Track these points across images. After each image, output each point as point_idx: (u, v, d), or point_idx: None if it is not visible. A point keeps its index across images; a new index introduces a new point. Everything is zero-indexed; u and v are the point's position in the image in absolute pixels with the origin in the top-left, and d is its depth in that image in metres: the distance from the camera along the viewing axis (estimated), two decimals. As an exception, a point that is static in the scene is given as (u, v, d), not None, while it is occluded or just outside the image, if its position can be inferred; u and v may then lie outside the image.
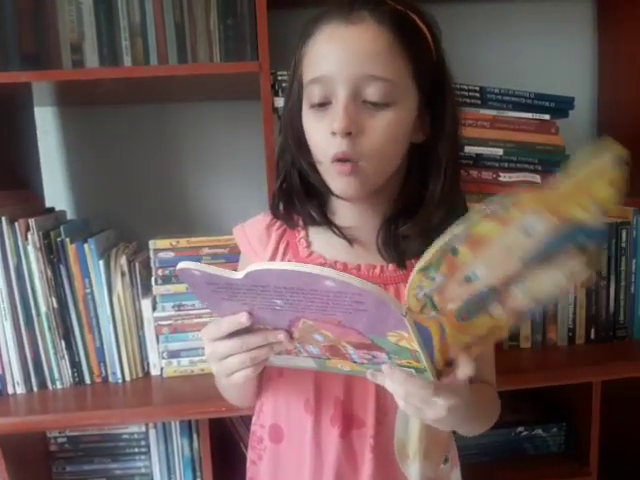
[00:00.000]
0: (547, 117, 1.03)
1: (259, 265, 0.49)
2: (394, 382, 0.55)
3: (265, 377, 0.72)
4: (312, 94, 0.63)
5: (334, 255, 0.70)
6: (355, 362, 0.58)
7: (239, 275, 0.50)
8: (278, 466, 0.73)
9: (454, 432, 0.71)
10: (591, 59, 1.31)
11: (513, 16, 1.27)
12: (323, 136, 0.62)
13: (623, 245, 1.06)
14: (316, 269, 0.47)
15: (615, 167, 0.47)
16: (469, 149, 1.01)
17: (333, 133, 0.61)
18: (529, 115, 1.03)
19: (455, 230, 0.47)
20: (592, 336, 1.08)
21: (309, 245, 0.72)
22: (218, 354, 0.60)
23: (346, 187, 0.64)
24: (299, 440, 0.70)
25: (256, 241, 0.74)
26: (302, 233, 0.72)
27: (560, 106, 1.04)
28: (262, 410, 0.74)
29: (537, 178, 1.03)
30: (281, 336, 0.57)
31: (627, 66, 1.21)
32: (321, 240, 0.72)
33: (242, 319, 0.56)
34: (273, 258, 0.72)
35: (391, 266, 0.69)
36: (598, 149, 0.46)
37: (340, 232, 0.69)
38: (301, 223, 0.73)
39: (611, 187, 0.48)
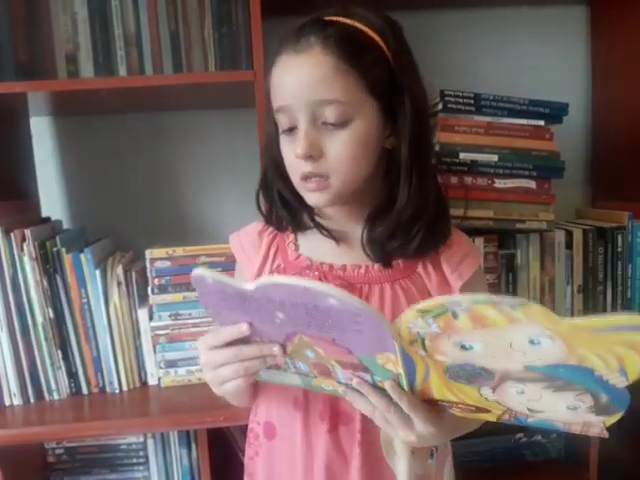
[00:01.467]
0: (542, 123, 1.03)
1: (270, 278, 0.52)
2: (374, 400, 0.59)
3: None
4: (280, 121, 0.67)
5: (320, 257, 0.73)
6: (340, 382, 0.61)
7: (250, 286, 0.53)
8: (272, 462, 0.75)
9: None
10: (585, 65, 1.32)
11: (507, 23, 1.28)
12: (293, 157, 0.66)
13: (619, 250, 1.06)
14: (322, 286, 0.50)
15: None
16: (464, 156, 1.01)
17: (296, 156, 0.65)
18: (524, 121, 1.03)
19: (459, 298, 0.48)
20: (590, 341, 1.08)
21: (297, 248, 0.75)
22: (213, 363, 0.63)
23: (317, 201, 0.68)
24: (290, 436, 0.73)
25: (249, 247, 0.77)
26: (291, 237, 0.76)
27: (554, 112, 1.04)
28: (258, 407, 0.77)
29: (532, 184, 1.03)
30: (276, 349, 0.59)
31: (621, 72, 1.22)
32: (308, 243, 0.75)
33: (242, 328, 0.59)
34: (264, 262, 0.75)
35: (376, 266, 0.71)
36: (627, 319, 0.45)
37: (327, 232, 0.73)
38: (290, 228, 0.76)
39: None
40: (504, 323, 0.47)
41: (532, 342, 0.48)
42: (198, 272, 0.55)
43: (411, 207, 0.67)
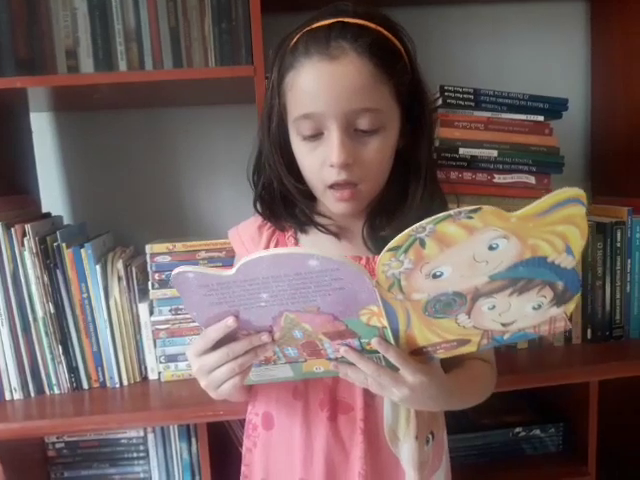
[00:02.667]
0: (541, 118, 1.03)
1: (248, 256, 0.53)
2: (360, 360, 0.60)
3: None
4: (302, 127, 0.65)
5: (321, 250, 0.72)
6: (330, 359, 0.62)
7: (231, 272, 0.54)
8: (270, 452, 0.75)
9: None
10: (584, 61, 1.32)
11: (507, 18, 1.28)
12: (318, 165, 0.66)
13: (618, 245, 1.06)
14: (301, 249, 0.54)
15: (583, 214, 0.51)
16: (463, 151, 1.01)
17: (331, 165, 0.64)
18: (523, 117, 1.03)
19: (424, 222, 0.50)
20: (588, 336, 1.08)
21: (297, 242, 0.76)
22: (206, 367, 0.63)
23: (346, 209, 0.68)
24: (289, 426, 0.73)
25: (249, 241, 0.78)
26: (290, 231, 0.77)
27: (554, 107, 1.04)
28: (256, 399, 0.77)
29: (532, 179, 1.03)
30: (265, 337, 0.60)
31: (620, 67, 1.22)
32: (308, 237, 0.76)
33: (229, 322, 0.59)
34: None
35: (377, 257, 0.71)
36: (563, 194, 0.49)
37: (326, 229, 0.73)
38: (289, 225, 0.77)
39: (583, 239, 0.52)
40: (465, 236, 0.50)
41: (491, 247, 0.51)
42: (179, 269, 0.56)
43: (421, 209, 0.68)
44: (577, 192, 0.49)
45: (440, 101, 1.01)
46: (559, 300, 0.57)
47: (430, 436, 0.75)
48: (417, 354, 0.61)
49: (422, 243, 0.51)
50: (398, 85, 0.65)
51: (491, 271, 0.53)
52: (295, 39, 0.66)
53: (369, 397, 0.71)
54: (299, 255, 0.52)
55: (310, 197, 0.73)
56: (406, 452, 0.72)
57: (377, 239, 0.71)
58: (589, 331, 1.08)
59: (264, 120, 0.72)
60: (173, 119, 1.25)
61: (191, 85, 0.98)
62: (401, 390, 0.60)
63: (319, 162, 0.65)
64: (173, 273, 0.56)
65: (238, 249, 0.79)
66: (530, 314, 0.57)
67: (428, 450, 0.75)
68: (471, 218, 0.49)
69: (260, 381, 0.69)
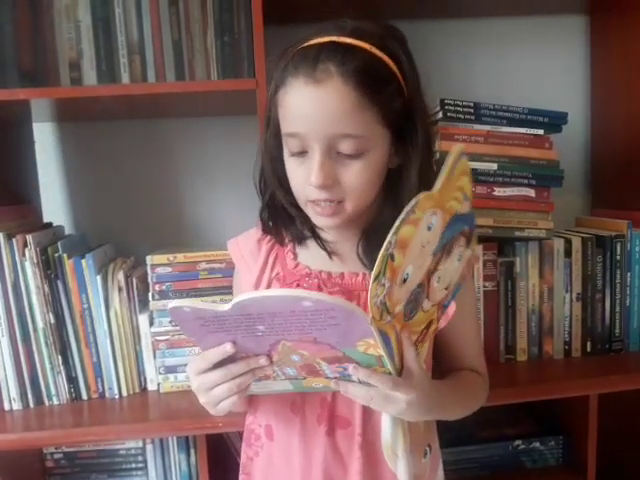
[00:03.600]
0: (541, 132, 1.04)
1: (243, 296, 0.54)
2: (360, 379, 0.60)
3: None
4: (290, 144, 0.67)
5: (319, 265, 0.74)
6: (328, 377, 0.64)
7: (226, 307, 0.55)
8: (271, 462, 0.76)
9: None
10: (584, 75, 1.32)
11: (507, 33, 1.29)
12: (302, 181, 0.67)
13: (618, 258, 1.07)
14: (293, 292, 0.55)
15: (467, 164, 0.60)
16: (464, 164, 1.01)
17: (311, 185, 0.65)
18: (523, 130, 1.04)
19: (389, 238, 0.53)
20: (588, 349, 1.08)
21: (295, 257, 0.76)
22: (205, 385, 0.65)
23: (327, 224, 0.69)
24: (288, 439, 0.74)
25: (248, 254, 0.78)
26: (289, 246, 0.77)
27: (554, 121, 1.05)
28: (258, 409, 0.78)
29: (531, 192, 1.04)
30: (262, 360, 0.61)
31: (620, 81, 1.22)
32: (307, 252, 0.76)
33: (227, 348, 0.60)
34: (263, 270, 0.76)
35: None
36: (454, 154, 0.58)
37: (322, 245, 0.74)
38: (288, 237, 0.77)
39: (469, 179, 0.61)
40: (414, 231, 0.55)
41: (429, 228, 0.57)
42: (174, 304, 0.57)
43: None
44: (462, 147, 0.59)
45: (440, 114, 1.01)
46: (467, 242, 0.64)
47: (427, 449, 0.76)
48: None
49: (392, 257, 0.54)
50: (385, 110, 0.64)
51: (432, 249, 0.59)
52: (289, 55, 0.66)
53: (367, 412, 0.71)
54: (293, 297, 0.53)
55: (302, 211, 0.73)
56: (403, 468, 0.72)
57: (373, 257, 0.69)
58: (589, 344, 1.08)
59: (263, 130, 0.73)
60: (175, 130, 1.26)
61: (193, 97, 0.99)
62: (397, 408, 0.62)
63: (302, 178, 0.66)
64: (169, 307, 0.57)
65: (237, 262, 0.79)
66: (457, 267, 0.64)
67: (426, 463, 0.75)
68: (414, 212, 0.54)
69: (260, 393, 0.69)
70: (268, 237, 0.78)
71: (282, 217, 0.75)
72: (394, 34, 0.67)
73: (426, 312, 0.63)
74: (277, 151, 0.70)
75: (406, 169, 0.68)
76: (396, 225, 0.53)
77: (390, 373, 0.60)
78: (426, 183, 0.68)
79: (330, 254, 0.74)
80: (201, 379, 0.65)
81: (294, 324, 0.55)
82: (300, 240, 0.76)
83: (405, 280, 0.57)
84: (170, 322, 1.01)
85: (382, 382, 0.60)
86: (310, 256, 0.75)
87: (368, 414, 0.71)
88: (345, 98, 0.61)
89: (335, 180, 0.65)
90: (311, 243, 0.75)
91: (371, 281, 0.53)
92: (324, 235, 0.74)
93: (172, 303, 0.57)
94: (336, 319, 0.54)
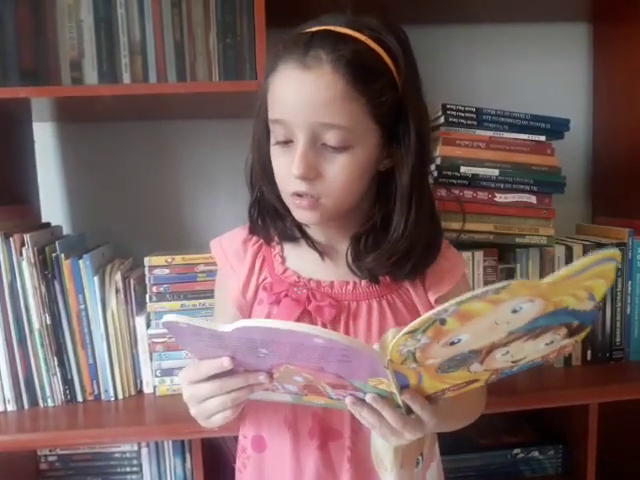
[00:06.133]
0: (543, 138, 1.03)
1: (249, 322, 0.50)
2: (373, 409, 0.58)
3: None
4: (276, 132, 0.65)
5: (308, 272, 0.72)
6: (331, 398, 0.60)
7: (227, 328, 0.51)
8: (262, 474, 0.74)
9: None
10: (586, 81, 1.32)
11: (510, 39, 1.29)
12: (285, 172, 0.64)
13: (619, 266, 1.06)
14: (306, 328, 0.49)
15: (614, 270, 0.50)
16: (465, 169, 1.01)
17: (292, 175, 0.63)
18: (525, 136, 1.03)
19: (447, 305, 0.47)
20: (588, 358, 1.08)
21: (284, 261, 0.73)
22: (197, 397, 0.61)
23: (306, 218, 0.67)
24: (280, 451, 0.71)
25: (233, 256, 0.75)
26: (277, 249, 0.74)
27: (556, 127, 1.04)
28: (245, 422, 0.76)
29: (533, 199, 1.03)
30: (262, 378, 0.58)
31: (622, 88, 1.22)
32: (295, 256, 0.73)
33: (224, 363, 0.56)
34: (250, 275, 0.73)
35: (364, 282, 0.71)
36: (599, 256, 0.48)
37: (313, 245, 0.71)
38: (277, 238, 0.74)
39: (608, 285, 0.52)
40: (489, 309, 0.48)
41: (514, 311, 0.49)
42: (170, 318, 0.53)
43: (407, 240, 0.66)
44: (613, 253, 0.49)
45: (442, 119, 1.01)
46: (572, 334, 0.55)
47: (420, 458, 0.74)
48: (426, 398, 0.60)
49: (442, 322, 0.49)
50: (375, 104, 0.61)
51: (511, 328, 0.51)
52: (282, 43, 0.65)
53: (356, 424, 0.68)
54: (303, 333, 0.49)
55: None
56: (391, 479, 0.70)
57: (362, 266, 0.69)
58: (589, 353, 1.08)
59: (254, 123, 0.71)
60: (175, 132, 1.25)
61: (194, 99, 0.98)
62: (400, 440, 0.60)
63: (286, 169, 0.64)
64: (164, 320, 0.54)
65: (221, 262, 0.75)
66: (541, 349, 0.56)
67: (418, 472, 0.74)
68: (498, 294, 0.46)
69: (256, 399, 0.66)
70: (255, 238, 0.75)
71: (271, 214, 0.72)
72: (395, 30, 0.65)
73: (472, 373, 0.56)
74: (265, 142, 0.68)
75: (397, 172, 0.66)
76: (464, 298, 0.46)
77: (398, 407, 0.58)
78: (419, 189, 0.66)
79: (322, 254, 0.72)
80: (193, 389, 0.61)
81: (301, 354, 0.52)
82: (289, 239, 0.73)
83: (454, 343, 0.51)
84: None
85: (394, 419, 0.57)
86: (299, 261, 0.73)
87: (357, 426, 0.68)
88: (333, 86, 0.59)
89: (317, 173, 0.62)
90: (300, 246, 0.73)
91: (402, 332, 0.49)
92: (313, 235, 0.72)
93: (166, 317, 0.53)
94: (348, 357, 0.51)
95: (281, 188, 0.67)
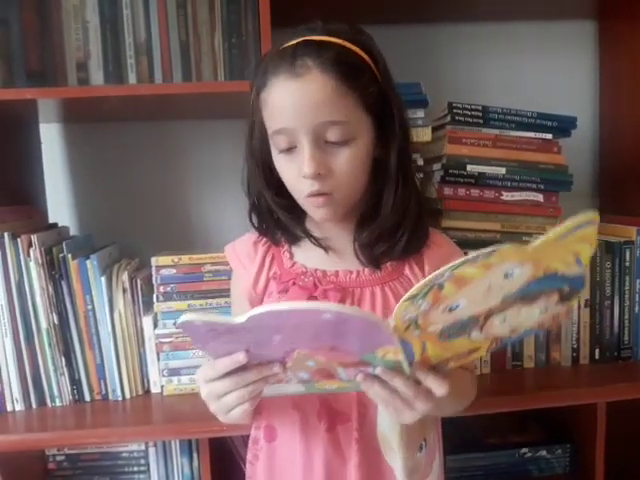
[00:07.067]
0: (549, 136, 1.03)
1: (261, 308, 0.52)
2: (383, 381, 0.60)
3: None
4: (278, 142, 0.68)
5: (314, 264, 0.76)
6: (342, 380, 0.62)
7: (241, 319, 0.53)
8: (274, 463, 0.77)
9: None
10: (593, 79, 1.32)
11: (516, 37, 1.28)
12: (295, 177, 0.69)
13: (627, 264, 1.05)
14: (315, 304, 0.53)
15: (596, 232, 0.54)
16: (471, 168, 1.01)
17: (304, 176, 0.66)
18: (531, 134, 1.03)
19: (442, 270, 0.50)
20: (596, 356, 1.07)
21: (292, 257, 0.78)
22: (215, 393, 0.63)
23: (323, 216, 0.71)
24: (290, 437, 0.75)
25: (245, 257, 0.79)
26: (285, 246, 0.78)
27: (562, 125, 1.04)
28: (257, 412, 0.77)
29: (540, 197, 1.03)
30: (276, 369, 0.60)
31: (629, 86, 1.22)
32: (302, 252, 0.78)
33: (240, 357, 0.59)
34: (260, 270, 0.78)
35: (367, 270, 0.75)
36: (580, 219, 0.51)
37: (317, 242, 0.75)
38: (283, 237, 0.78)
39: (592, 249, 0.56)
40: (482, 273, 0.51)
41: (506, 276, 0.52)
42: (186, 318, 0.54)
43: (396, 213, 0.71)
44: (592, 216, 0.52)
45: (449, 118, 1.01)
46: (564, 299, 0.59)
47: (423, 443, 0.77)
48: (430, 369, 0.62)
49: (440, 287, 0.51)
50: (365, 96, 0.66)
51: (505, 294, 0.54)
52: (267, 59, 0.69)
53: (363, 407, 0.72)
54: (312, 310, 0.52)
55: (293, 211, 0.75)
56: (399, 461, 0.73)
57: (366, 250, 0.74)
58: (597, 351, 1.07)
59: (247, 136, 0.75)
60: (181, 132, 1.26)
61: (200, 99, 0.98)
62: (415, 414, 0.61)
63: (295, 174, 0.68)
64: (179, 321, 0.55)
65: (235, 266, 0.80)
66: (537, 316, 0.59)
67: (420, 457, 0.76)
68: (488, 258, 0.50)
69: (271, 395, 0.68)
70: (264, 239, 0.79)
71: (271, 219, 0.77)
72: (362, 32, 0.71)
73: (472, 341, 0.59)
74: (264, 155, 0.72)
75: (386, 159, 0.71)
76: (457, 262, 0.50)
77: (408, 378, 0.60)
78: (404, 169, 0.72)
79: (326, 249, 0.75)
80: (211, 387, 0.63)
81: (312, 334, 0.54)
82: (293, 240, 0.77)
83: (452, 309, 0.54)
84: (174, 324, 1.00)
85: (405, 387, 0.59)
86: (306, 255, 0.77)
87: (364, 409, 0.72)
88: (326, 86, 0.64)
89: (327, 169, 0.66)
90: (306, 243, 0.77)
91: (403, 299, 0.52)
92: (316, 233, 0.76)
93: (182, 317, 0.54)
94: (356, 329, 0.53)
95: (295, 193, 0.71)
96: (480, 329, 0.58)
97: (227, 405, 0.63)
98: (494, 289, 0.53)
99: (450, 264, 0.50)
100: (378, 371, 0.59)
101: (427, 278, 0.51)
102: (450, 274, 0.50)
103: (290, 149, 0.68)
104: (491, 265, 0.51)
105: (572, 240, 0.53)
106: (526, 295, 0.56)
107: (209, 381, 0.63)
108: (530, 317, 0.59)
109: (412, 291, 0.51)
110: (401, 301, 0.52)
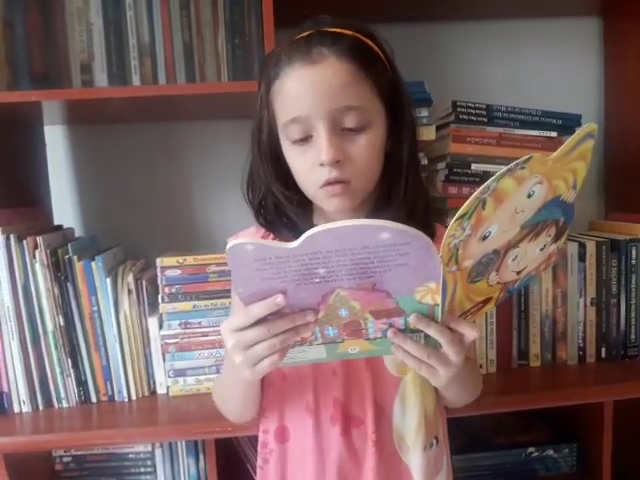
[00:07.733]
0: (554, 134, 1.03)
1: (317, 228, 0.51)
2: (419, 328, 0.59)
3: (266, 383, 0.76)
4: (291, 132, 0.67)
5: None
6: (369, 339, 0.62)
7: (295, 243, 0.52)
8: (286, 464, 0.76)
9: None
10: (597, 76, 1.31)
11: (520, 35, 1.28)
12: (309, 167, 0.68)
13: (633, 262, 1.05)
14: (373, 221, 0.51)
15: (590, 149, 0.58)
16: (475, 166, 1.00)
17: (321, 164, 0.66)
18: (536, 132, 1.03)
19: (489, 182, 0.51)
20: (603, 355, 1.07)
21: None
22: (245, 342, 0.60)
23: (340, 205, 0.69)
24: (303, 439, 0.75)
25: None
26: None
27: (567, 123, 1.03)
28: (265, 416, 0.78)
29: (545, 195, 1.02)
30: (309, 317, 0.59)
31: (633, 83, 1.21)
32: None
33: (278, 299, 0.57)
34: None
35: None
36: (582, 131, 0.55)
37: None
38: (291, 234, 0.76)
39: (587, 167, 0.59)
40: (516, 189, 0.52)
41: (529, 195, 0.54)
42: (236, 241, 0.53)
43: (406, 206, 0.71)
44: (593, 127, 0.56)
45: (452, 116, 1.01)
46: (558, 235, 0.61)
47: (434, 440, 0.77)
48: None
49: (483, 204, 0.52)
50: (378, 83, 0.67)
51: (523, 220, 0.56)
52: (278, 52, 0.69)
53: (379, 409, 0.73)
54: (371, 227, 0.51)
55: (301, 205, 0.74)
56: (415, 459, 0.74)
57: None
58: (603, 350, 1.07)
59: (254, 132, 0.74)
60: (185, 133, 1.26)
61: (204, 100, 0.98)
62: (448, 372, 0.61)
63: (309, 164, 0.67)
64: (229, 245, 0.53)
65: None
66: (537, 256, 0.61)
67: (431, 454, 0.77)
68: (523, 168, 0.51)
69: (291, 363, 0.66)
70: (271, 235, 0.77)
71: (279, 217, 0.75)
72: (368, 26, 0.71)
73: (489, 286, 0.60)
74: (273, 149, 0.72)
75: (397, 151, 0.71)
76: (501, 172, 0.50)
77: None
78: (414, 160, 0.72)
79: None
80: (240, 336, 0.60)
81: (359, 265, 0.53)
82: (298, 232, 0.75)
83: (485, 237, 0.54)
84: (179, 325, 1.01)
85: (441, 333, 0.59)
86: None
87: (380, 411, 0.73)
88: (342, 72, 0.64)
89: (345, 156, 0.66)
90: None
91: (454, 219, 0.52)
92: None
93: (234, 240, 0.53)
94: (407, 257, 0.52)
95: (309, 183, 0.69)
96: (497, 270, 0.59)
97: (256, 355, 0.60)
98: (518, 212, 0.55)
99: (495, 175, 0.50)
100: (412, 318, 0.58)
101: (474, 194, 0.51)
102: (495, 186, 0.51)
103: (304, 139, 0.67)
104: (523, 179, 0.52)
105: (575, 156, 0.56)
106: (536, 224, 0.58)
107: (237, 330, 0.60)
108: (532, 257, 0.61)
109: (462, 209, 0.51)
110: (453, 220, 0.52)
